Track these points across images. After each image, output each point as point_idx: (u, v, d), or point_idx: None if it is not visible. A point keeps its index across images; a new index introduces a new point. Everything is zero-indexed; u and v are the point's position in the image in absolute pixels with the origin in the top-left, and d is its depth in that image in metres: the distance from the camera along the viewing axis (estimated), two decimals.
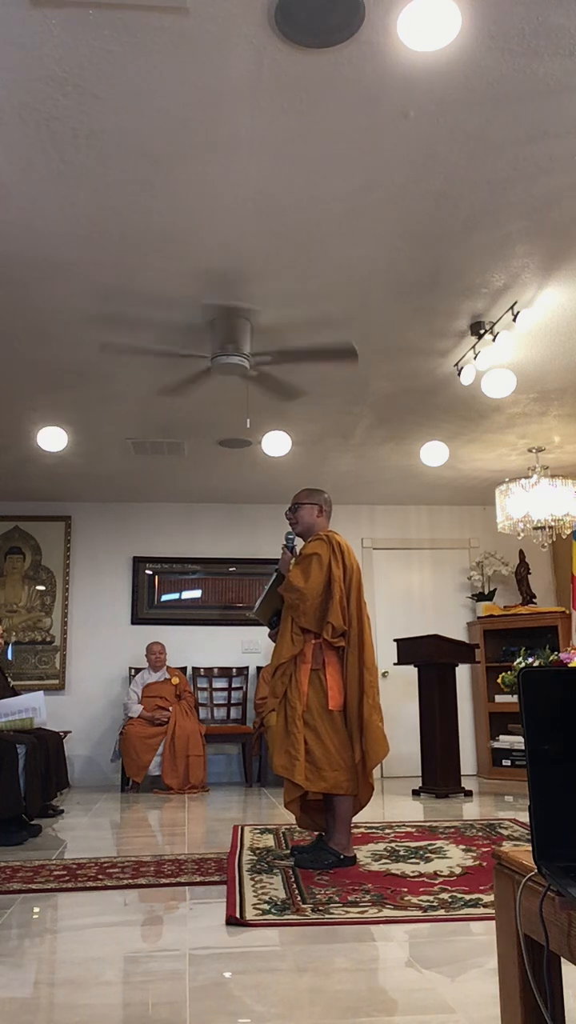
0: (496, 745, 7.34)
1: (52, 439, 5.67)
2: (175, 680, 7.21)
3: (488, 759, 7.42)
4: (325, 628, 3.68)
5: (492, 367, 4.47)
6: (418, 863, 3.66)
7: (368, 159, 2.97)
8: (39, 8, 2.31)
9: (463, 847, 4.02)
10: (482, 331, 4.30)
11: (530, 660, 5.62)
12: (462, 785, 6.35)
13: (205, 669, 7.68)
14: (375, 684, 3.69)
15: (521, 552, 7.92)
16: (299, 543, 3.97)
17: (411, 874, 3.45)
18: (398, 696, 7.63)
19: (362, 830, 4.52)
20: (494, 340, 4.30)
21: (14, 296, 3.93)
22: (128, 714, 7.00)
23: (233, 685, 7.70)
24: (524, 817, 4.90)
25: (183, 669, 7.55)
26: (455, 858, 3.76)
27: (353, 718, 3.65)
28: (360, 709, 3.63)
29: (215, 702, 7.65)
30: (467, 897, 3.05)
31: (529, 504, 6.20)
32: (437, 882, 3.30)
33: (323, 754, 3.59)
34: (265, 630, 4.11)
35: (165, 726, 6.83)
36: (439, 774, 6.24)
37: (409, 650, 6.62)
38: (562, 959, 1.32)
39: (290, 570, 3.81)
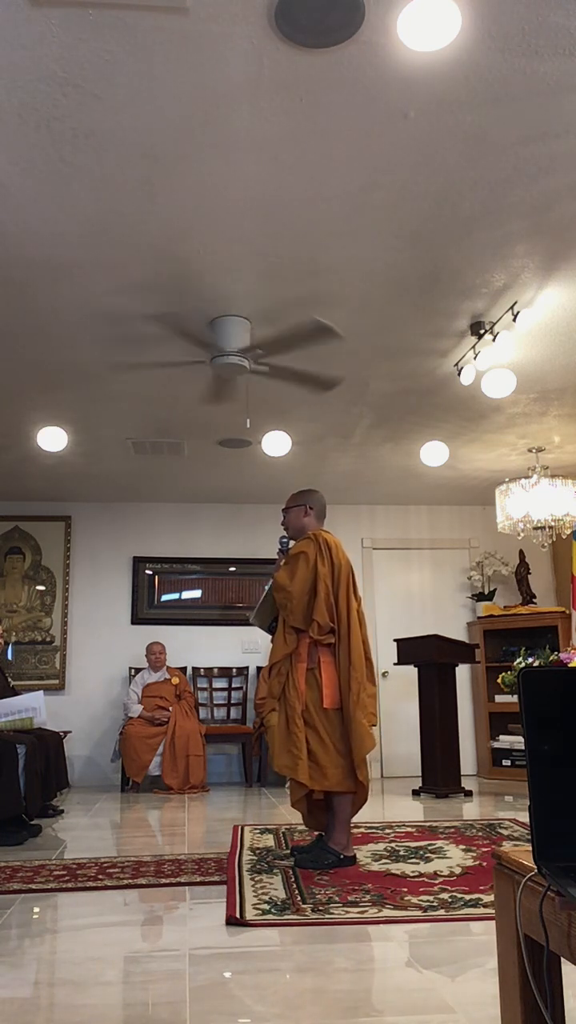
0: (496, 745, 7.34)
1: (52, 439, 5.67)
2: (175, 680, 7.21)
3: (488, 759, 7.42)
4: (311, 626, 3.70)
5: (492, 367, 4.47)
6: (418, 863, 3.66)
7: (368, 159, 2.97)
8: (39, 8, 2.31)
9: (463, 847, 4.02)
10: (482, 331, 4.30)
11: (530, 660, 5.62)
12: (462, 785, 6.35)
13: (205, 669, 7.68)
14: (360, 680, 3.67)
15: (521, 552, 7.92)
16: (293, 545, 4.00)
17: (411, 874, 3.45)
18: (398, 696, 7.63)
19: (362, 830, 4.52)
20: (494, 340, 4.30)
21: (14, 296, 3.93)
22: (128, 714, 7.00)
23: (233, 685, 7.70)
24: (524, 817, 4.90)
25: (183, 669, 7.55)
26: (455, 858, 3.76)
27: (346, 715, 3.65)
28: (348, 706, 3.64)
29: (215, 702, 7.65)
30: (467, 897, 3.05)
31: (529, 504, 6.20)
32: (437, 882, 3.30)
33: (324, 752, 3.59)
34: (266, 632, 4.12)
35: (165, 726, 6.83)
36: (439, 774, 6.24)
37: (409, 650, 6.62)
38: (562, 959, 1.32)
39: (278, 570, 3.85)
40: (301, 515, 4.01)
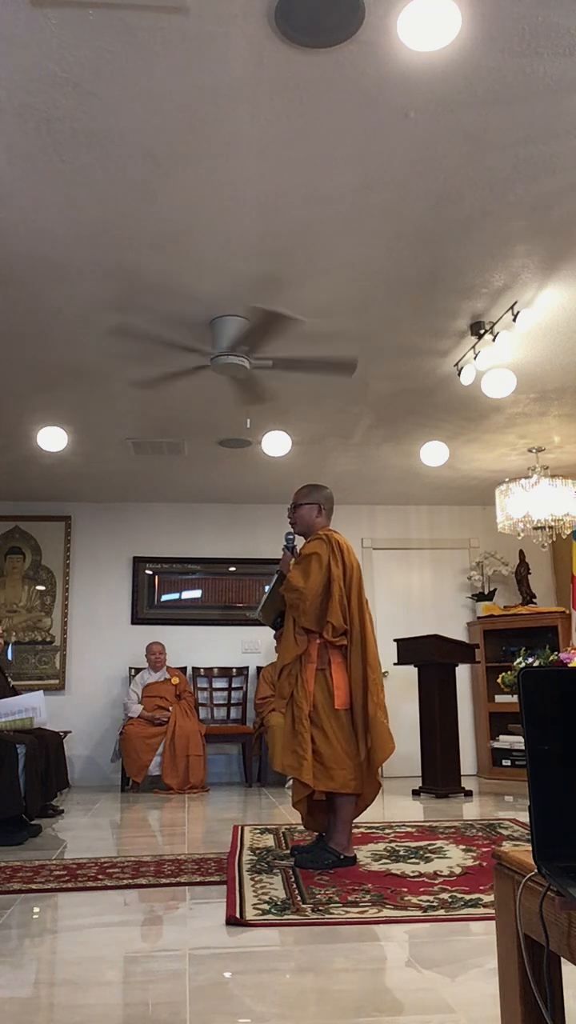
0: (496, 745, 7.34)
1: (52, 439, 5.67)
2: (175, 680, 7.21)
3: (488, 759, 7.42)
4: (325, 628, 3.69)
5: (492, 367, 4.47)
6: (418, 863, 3.66)
7: (368, 159, 2.97)
8: (39, 8, 2.31)
9: (463, 847, 4.02)
10: (482, 331, 4.30)
11: (530, 660, 5.62)
12: (462, 785, 6.35)
13: (205, 669, 7.68)
14: (379, 681, 3.70)
15: (521, 552, 7.92)
16: (300, 542, 3.98)
17: (411, 874, 3.45)
18: (398, 696, 7.62)
19: (362, 830, 4.52)
20: (494, 340, 4.30)
21: (14, 296, 3.93)
22: (128, 714, 7.00)
23: (233, 685, 7.70)
24: (524, 817, 4.90)
25: (183, 669, 7.55)
26: (455, 858, 3.76)
27: (359, 716, 3.65)
28: (365, 707, 3.63)
29: (215, 702, 7.65)
30: (467, 897, 3.05)
31: (529, 504, 6.20)
32: (437, 882, 3.30)
33: (330, 753, 3.59)
34: (265, 630, 4.12)
35: (165, 726, 6.83)
36: (439, 774, 6.24)
37: (409, 650, 6.62)
38: (562, 959, 1.32)
39: (290, 570, 3.82)
40: (314, 514, 3.99)
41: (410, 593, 8.10)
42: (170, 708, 6.97)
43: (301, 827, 4.45)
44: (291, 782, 3.69)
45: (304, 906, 2.95)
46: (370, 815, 5.06)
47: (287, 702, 3.73)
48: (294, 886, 3.26)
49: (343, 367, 4.60)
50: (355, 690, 3.68)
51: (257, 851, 3.96)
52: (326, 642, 3.72)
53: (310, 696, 3.67)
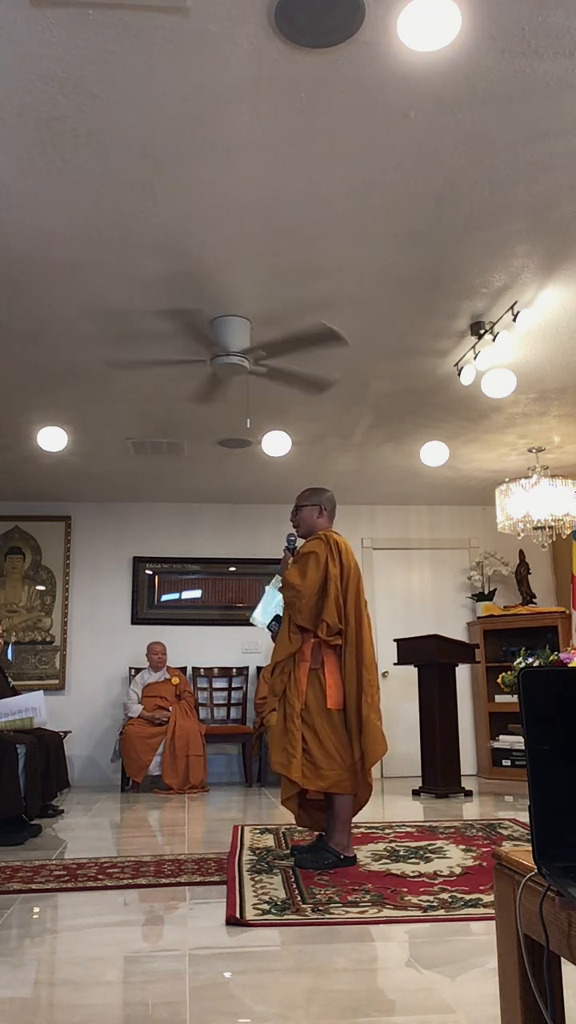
0: (496, 745, 7.34)
1: (52, 439, 5.67)
2: (175, 680, 7.21)
3: (488, 759, 7.42)
4: (320, 626, 3.69)
5: (492, 367, 4.47)
6: (418, 863, 3.66)
7: (368, 159, 2.97)
8: (39, 8, 2.31)
9: (463, 847, 4.02)
10: (482, 331, 4.30)
11: (530, 660, 5.62)
12: (462, 785, 6.35)
13: (205, 669, 7.68)
14: (374, 683, 3.70)
15: (521, 552, 7.92)
16: (301, 543, 3.99)
17: (411, 874, 3.44)
18: (398, 696, 7.63)
19: (362, 830, 4.52)
20: (494, 340, 4.30)
21: (14, 296, 3.93)
22: (128, 714, 7.00)
23: (233, 685, 7.70)
24: (524, 817, 4.90)
25: (183, 669, 7.55)
26: (455, 858, 3.76)
27: (352, 717, 3.65)
28: (358, 708, 3.63)
29: (215, 702, 7.65)
30: (467, 897, 3.05)
31: (529, 504, 6.21)
32: (437, 882, 3.30)
33: (321, 753, 3.59)
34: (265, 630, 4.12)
35: (165, 726, 6.83)
36: (439, 774, 6.24)
37: (409, 650, 6.62)
38: (562, 959, 1.32)
39: (288, 568, 3.84)
40: (315, 515, 4.01)
41: (410, 593, 8.10)
42: (170, 708, 6.97)
43: (301, 827, 4.45)
44: (282, 779, 3.69)
45: (304, 906, 2.95)
46: (370, 815, 5.06)
47: (279, 699, 3.75)
48: (294, 886, 3.26)
49: (315, 386, 4.67)
50: (348, 690, 3.68)
51: (257, 851, 3.96)
52: (320, 641, 3.73)
53: (302, 695, 3.68)
